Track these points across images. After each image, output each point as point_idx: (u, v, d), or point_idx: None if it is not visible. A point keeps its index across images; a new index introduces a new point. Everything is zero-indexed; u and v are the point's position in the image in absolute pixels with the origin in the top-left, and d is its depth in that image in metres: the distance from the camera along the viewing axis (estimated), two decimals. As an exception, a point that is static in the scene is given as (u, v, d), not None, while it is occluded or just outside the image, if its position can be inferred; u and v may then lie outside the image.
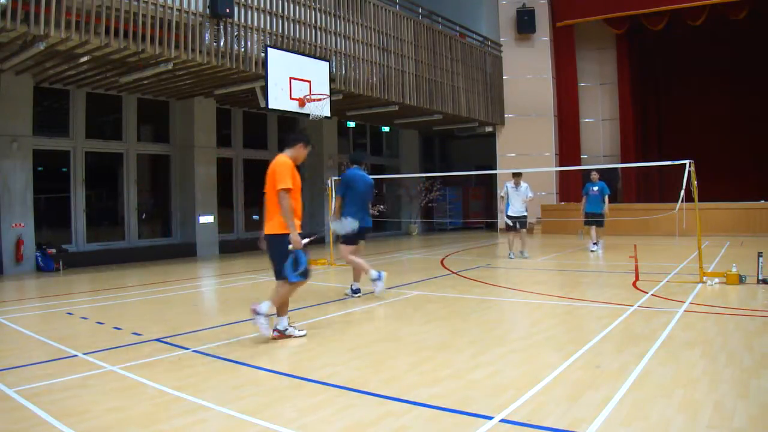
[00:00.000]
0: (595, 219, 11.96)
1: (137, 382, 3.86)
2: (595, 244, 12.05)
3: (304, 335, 5.10)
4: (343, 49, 12.42)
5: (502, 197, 11.54)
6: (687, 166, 7.62)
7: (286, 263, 4.78)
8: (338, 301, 7.06)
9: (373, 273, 6.82)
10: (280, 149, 5.14)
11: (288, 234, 4.73)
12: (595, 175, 12.15)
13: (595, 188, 11.96)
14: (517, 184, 11.21)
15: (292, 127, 16.81)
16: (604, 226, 12.18)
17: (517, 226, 11.29)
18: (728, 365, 3.93)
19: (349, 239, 6.93)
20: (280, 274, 4.89)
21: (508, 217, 11.31)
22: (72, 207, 11.83)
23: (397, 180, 18.84)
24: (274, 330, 5.02)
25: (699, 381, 3.61)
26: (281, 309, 5.04)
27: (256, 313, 4.88)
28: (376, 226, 19.09)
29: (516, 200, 11.21)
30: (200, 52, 9.59)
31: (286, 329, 5.04)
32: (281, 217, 4.74)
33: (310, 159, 16.73)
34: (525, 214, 11.34)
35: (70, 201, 11.82)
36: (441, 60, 15.74)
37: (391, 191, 19.99)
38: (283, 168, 4.82)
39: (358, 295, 7.12)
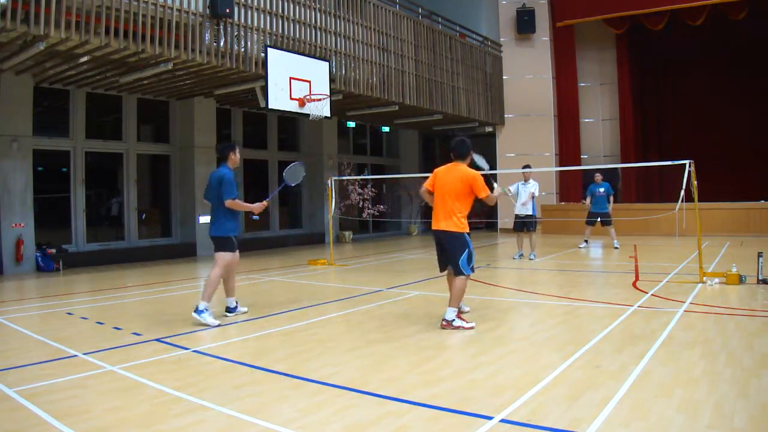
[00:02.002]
0: (603, 219, 12.23)
1: (137, 382, 3.86)
2: (586, 242, 12.45)
3: (472, 327, 5.32)
4: (343, 49, 12.41)
5: (511, 194, 11.30)
6: (687, 166, 7.62)
7: (462, 257, 5.34)
8: (338, 301, 7.06)
9: (203, 304, 5.68)
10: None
11: (465, 233, 5.43)
12: (599, 177, 12.31)
13: (601, 189, 12.19)
14: (526, 179, 11.20)
15: (292, 127, 16.82)
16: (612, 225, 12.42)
17: (525, 228, 11.24)
18: (728, 365, 3.93)
19: (230, 245, 5.99)
20: (455, 267, 5.41)
21: (516, 216, 11.36)
22: (72, 207, 11.83)
23: (397, 180, 18.84)
24: (443, 320, 5.40)
25: (699, 381, 3.61)
26: (456, 299, 5.44)
27: (449, 323, 5.33)
28: (376, 225, 19.41)
29: (523, 194, 11.18)
30: (200, 52, 9.59)
31: (453, 320, 5.37)
32: (459, 216, 5.42)
33: (310, 159, 16.88)
34: (531, 213, 11.19)
35: (70, 201, 11.82)
36: (441, 60, 15.73)
37: (391, 191, 19.99)
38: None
39: (234, 314, 6.18)
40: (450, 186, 5.48)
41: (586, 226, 12.73)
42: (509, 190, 11.23)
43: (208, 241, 13.49)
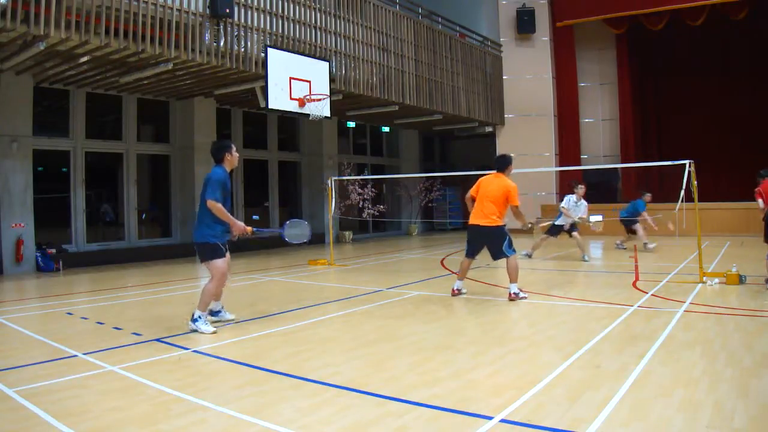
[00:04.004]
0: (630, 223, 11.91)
1: (137, 382, 3.86)
2: (620, 242, 12.09)
3: (526, 298, 6.70)
4: (343, 49, 12.41)
5: (565, 209, 10.73)
6: (687, 166, 7.62)
7: (505, 244, 6.64)
8: (338, 301, 7.06)
9: (197, 312, 5.35)
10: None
11: (503, 225, 6.73)
12: (647, 196, 12.08)
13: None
14: (579, 198, 10.69)
15: (292, 127, 16.83)
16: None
17: (571, 229, 10.82)
18: (728, 365, 3.93)
19: (218, 252, 5.34)
20: (499, 255, 6.76)
21: (555, 226, 10.90)
22: (72, 207, 11.82)
23: (397, 180, 18.84)
24: (510, 293, 6.67)
25: (699, 381, 3.61)
26: (462, 274, 7.08)
27: (516, 295, 6.65)
28: (376, 225, 19.40)
29: (573, 214, 10.67)
30: (200, 52, 9.59)
31: (518, 293, 6.70)
32: (495, 214, 6.67)
33: (310, 159, 16.89)
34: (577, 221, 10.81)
35: (70, 201, 11.82)
36: (441, 60, 15.74)
37: (391, 191, 19.99)
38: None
39: (217, 318, 5.73)
40: (491, 193, 6.74)
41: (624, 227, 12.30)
42: (561, 207, 10.77)
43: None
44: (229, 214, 5.30)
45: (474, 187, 7.00)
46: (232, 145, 5.61)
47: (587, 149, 19.45)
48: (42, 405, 3.41)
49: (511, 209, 6.73)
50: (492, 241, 6.78)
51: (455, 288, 7.07)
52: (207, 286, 5.36)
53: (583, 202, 10.77)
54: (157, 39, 8.98)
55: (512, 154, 7.10)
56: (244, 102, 13.89)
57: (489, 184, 6.84)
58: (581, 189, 10.72)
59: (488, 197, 6.72)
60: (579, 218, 10.64)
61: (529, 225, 7.10)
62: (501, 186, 6.73)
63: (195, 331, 5.26)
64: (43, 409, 3.35)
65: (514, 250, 6.72)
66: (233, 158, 5.54)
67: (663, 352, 4.29)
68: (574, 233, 10.77)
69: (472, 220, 6.83)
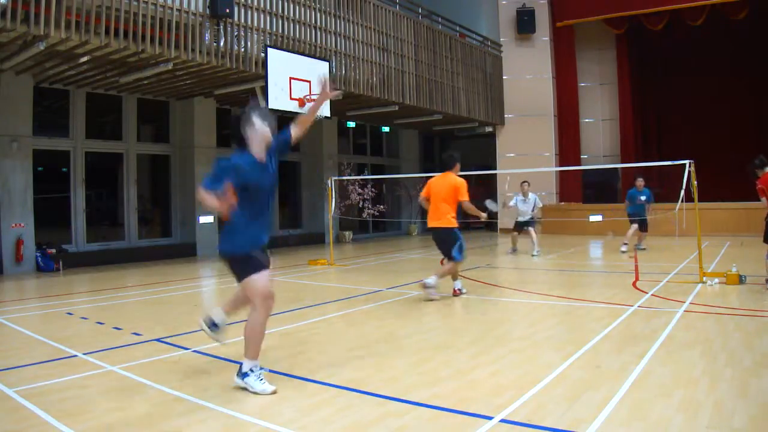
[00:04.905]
0: (640, 221, 11.64)
1: (137, 382, 3.86)
2: (625, 244, 11.68)
3: (465, 292, 7.07)
4: (343, 49, 12.41)
5: (510, 207, 11.95)
6: (687, 166, 7.62)
7: (455, 247, 6.76)
8: (338, 301, 7.06)
9: (247, 364, 3.70)
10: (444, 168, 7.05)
11: (456, 228, 6.88)
12: (640, 183, 11.83)
13: (643, 197, 11.73)
14: (525, 194, 11.72)
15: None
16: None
17: (524, 227, 11.86)
18: (728, 365, 3.93)
19: (254, 264, 3.67)
20: (449, 255, 6.85)
21: (516, 223, 11.97)
22: (72, 207, 11.82)
23: (397, 180, 18.83)
24: (454, 289, 7.01)
25: (699, 381, 3.61)
26: (455, 275, 7.07)
27: (426, 286, 6.73)
28: (376, 225, 19.39)
29: (522, 209, 11.77)
30: (200, 52, 9.59)
31: (461, 289, 7.04)
32: (449, 213, 6.82)
33: (310, 159, 16.87)
34: (531, 218, 11.93)
35: (70, 201, 11.82)
36: (441, 60, 15.73)
37: (391, 191, 19.99)
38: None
39: (212, 331, 4.11)
40: (442, 192, 6.86)
41: (630, 225, 11.86)
42: (507, 206, 11.90)
43: (208, 241, 13.60)
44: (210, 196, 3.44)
45: (425, 188, 7.11)
46: (254, 116, 3.72)
47: (587, 149, 19.45)
48: (42, 405, 3.41)
49: (462, 205, 6.82)
50: (444, 242, 6.92)
51: (456, 288, 7.11)
52: (249, 322, 3.68)
53: (532, 197, 11.80)
54: (157, 39, 8.98)
55: (455, 154, 7.18)
56: (244, 102, 13.88)
57: (438, 184, 6.96)
58: (526, 185, 11.83)
59: (440, 197, 6.84)
60: (531, 213, 11.83)
61: (486, 215, 7.15)
62: (449, 184, 6.84)
63: (245, 389, 3.65)
64: (43, 409, 3.35)
65: (462, 257, 6.84)
66: (257, 135, 3.70)
67: (663, 352, 4.29)
68: (530, 229, 11.83)
69: (430, 222, 6.98)
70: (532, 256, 11.23)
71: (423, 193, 7.12)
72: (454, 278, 7.16)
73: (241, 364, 3.71)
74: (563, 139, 19.14)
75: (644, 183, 11.91)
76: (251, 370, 3.65)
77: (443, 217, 6.80)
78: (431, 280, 6.74)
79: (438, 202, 6.85)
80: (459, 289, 7.11)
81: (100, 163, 12.68)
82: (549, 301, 6.68)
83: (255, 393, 3.59)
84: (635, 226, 11.66)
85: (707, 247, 10.00)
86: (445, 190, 6.83)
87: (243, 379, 3.66)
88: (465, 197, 6.79)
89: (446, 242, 6.85)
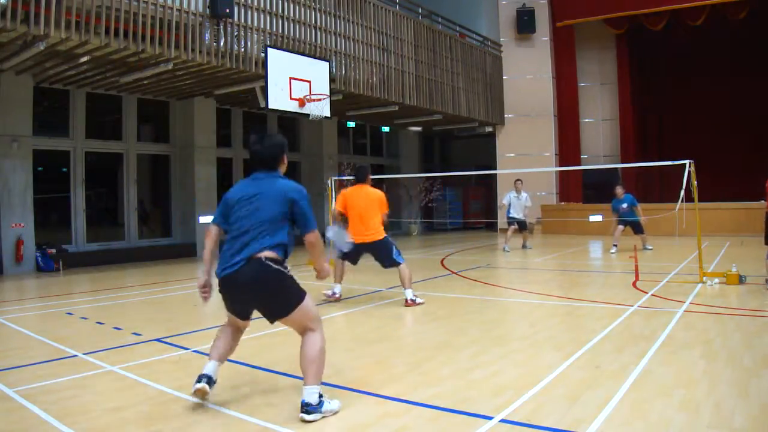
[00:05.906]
0: (633, 223, 11.62)
1: (137, 382, 3.86)
2: (615, 245, 11.65)
3: (423, 303, 6.60)
4: (343, 49, 12.41)
5: (504, 205, 12.66)
6: (687, 166, 7.62)
7: (394, 253, 6.64)
8: (338, 301, 7.05)
9: (313, 395, 3.26)
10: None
11: (387, 236, 6.73)
12: (619, 191, 11.72)
13: (624, 205, 11.65)
14: (518, 192, 12.27)
15: (292, 127, 16.82)
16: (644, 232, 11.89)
17: (518, 226, 12.45)
18: (728, 365, 3.93)
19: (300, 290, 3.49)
20: (390, 264, 6.68)
21: (510, 217, 12.47)
22: (72, 207, 11.82)
23: (397, 180, 18.83)
24: (407, 300, 6.54)
25: (699, 381, 3.61)
26: (407, 282, 6.65)
27: (413, 301, 6.53)
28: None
29: (517, 207, 12.32)
30: (200, 52, 9.59)
31: (414, 299, 6.57)
32: (377, 224, 6.68)
33: (310, 159, 16.87)
34: (525, 219, 12.47)
35: (70, 201, 11.82)
36: (441, 60, 15.74)
37: (391, 191, 19.98)
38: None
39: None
40: (364, 205, 6.66)
41: (616, 227, 11.91)
42: (501, 203, 12.93)
43: (208, 241, 13.50)
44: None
45: (339, 201, 6.82)
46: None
47: (587, 149, 19.45)
48: (42, 405, 3.41)
49: (383, 217, 6.76)
50: (381, 251, 6.71)
51: (331, 293, 6.92)
52: (311, 347, 3.39)
53: (524, 194, 12.40)
54: (157, 39, 8.98)
55: (365, 165, 7.21)
56: (244, 102, 13.89)
57: (356, 197, 6.72)
58: (519, 183, 12.43)
59: (364, 210, 6.64)
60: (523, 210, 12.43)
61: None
62: (371, 197, 6.73)
63: (319, 417, 3.18)
64: (43, 409, 3.35)
65: (403, 258, 6.75)
66: (284, 165, 3.85)
67: (663, 352, 4.29)
68: (525, 231, 12.54)
69: (359, 237, 6.51)
70: (524, 247, 12.32)
71: (338, 207, 6.83)
72: (337, 281, 6.94)
73: (303, 400, 3.16)
74: (563, 139, 19.14)
75: (623, 190, 11.82)
76: (321, 400, 3.19)
77: (374, 229, 6.64)
78: (408, 293, 6.60)
79: (363, 216, 6.63)
80: (335, 293, 6.92)
81: (100, 163, 12.68)
82: (549, 301, 6.68)
83: (334, 412, 3.22)
84: (621, 227, 11.80)
85: (707, 247, 10.00)
86: (366, 203, 6.66)
87: (320, 409, 3.16)
88: (386, 209, 6.81)
89: (383, 251, 6.69)
